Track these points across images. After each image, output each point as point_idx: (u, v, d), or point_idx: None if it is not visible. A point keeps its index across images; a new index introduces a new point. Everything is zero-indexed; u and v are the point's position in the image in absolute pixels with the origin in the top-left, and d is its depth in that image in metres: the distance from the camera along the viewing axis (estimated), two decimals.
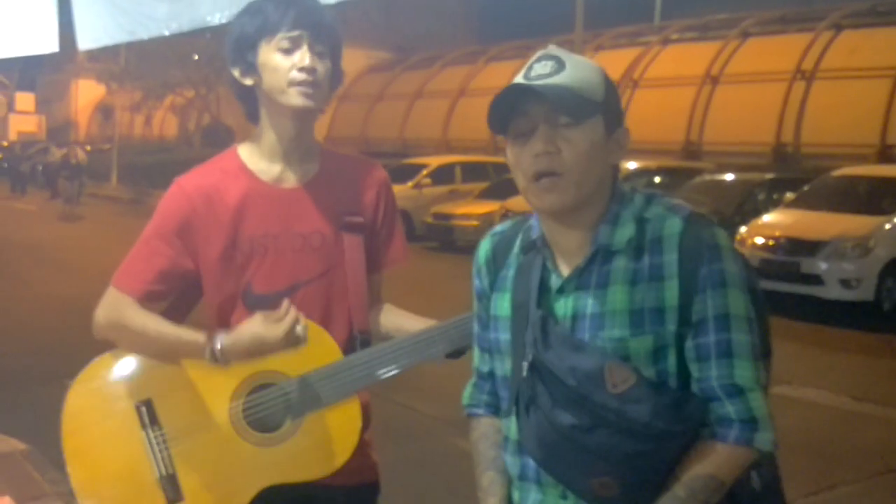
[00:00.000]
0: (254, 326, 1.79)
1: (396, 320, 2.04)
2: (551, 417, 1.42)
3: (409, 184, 16.88)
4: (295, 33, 1.83)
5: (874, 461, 5.31)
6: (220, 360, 1.81)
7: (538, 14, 27.59)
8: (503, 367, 1.58)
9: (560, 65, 1.44)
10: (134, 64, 28.01)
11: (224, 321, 1.92)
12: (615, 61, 20.22)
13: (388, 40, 32.78)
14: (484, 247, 1.66)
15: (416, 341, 1.89)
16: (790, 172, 14.17)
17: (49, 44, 3.18)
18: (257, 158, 1.94)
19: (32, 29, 3.17)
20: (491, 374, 1.65)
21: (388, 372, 1.88)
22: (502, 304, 1.58)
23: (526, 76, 1.46)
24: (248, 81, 1.90)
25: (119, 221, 18.91)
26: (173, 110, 33.71)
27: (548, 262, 1.52)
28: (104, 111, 40.56)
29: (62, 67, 39.94)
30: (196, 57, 25.76)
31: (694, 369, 1.42)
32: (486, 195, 15.71)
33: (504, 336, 1.56)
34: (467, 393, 1.72)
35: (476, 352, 1.70)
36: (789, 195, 11.49)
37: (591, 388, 1.39)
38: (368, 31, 30.09)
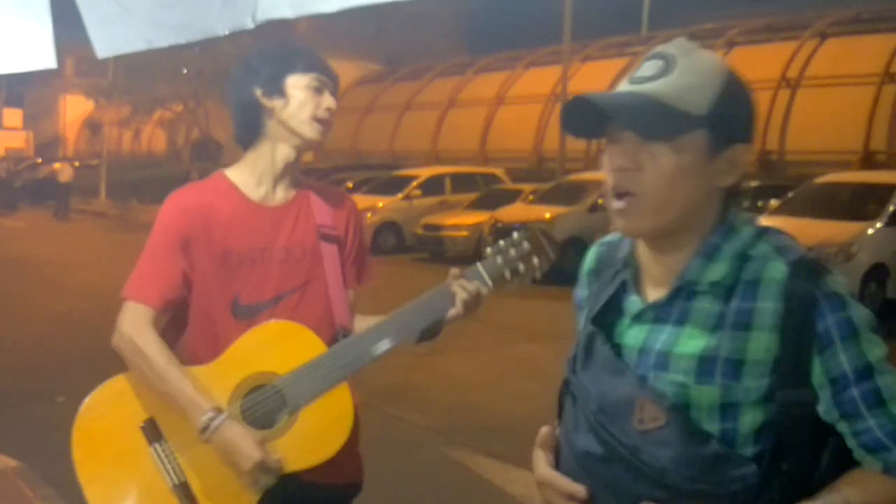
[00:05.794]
0: (249, 447, 1.89)
1: (367, 323, 2.13)
2: (570, 440, 1.37)
3: (399, 195, 16.95)
4: (325, 78, 2.09)
5: None
6: (206, 437, 1.92)
7: (526, 25, 27.75)
8: None
9: (668, 66, 1.26)
10: (122, 79, 27.86)
11: (212, 330, 2.05)
12: (603, 72, 20.34)
13: (377, 52, 32.91)
14: (589, 256, 1.52)
15: (391, 322, 1.99)
16: (775, 180, 14.24)
17: (46, 60, 3.18)
18: (247, 179, 2.11)
19: (28, 45, 3.17)
20: None
21: (372, 354, 1.97)
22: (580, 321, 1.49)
23: (631, 76, 1.30)
24: (269, 104, 2.05)
25: (108, 237, 18.88)
26: (162, 125, 33.61)
27: (629, 282, 1.38)
28: (92, 126, 40.44)
29: (50, 83, 39.73)
30: (185, 71, 25.70)
31: (844, 427, 1.26)
32: (476, 206, 15.78)
33: None
34: None
35: None
36: (774, 202, 11.58)
37: (612, 417, 1.30)
38: (358, 43, 30.20)
